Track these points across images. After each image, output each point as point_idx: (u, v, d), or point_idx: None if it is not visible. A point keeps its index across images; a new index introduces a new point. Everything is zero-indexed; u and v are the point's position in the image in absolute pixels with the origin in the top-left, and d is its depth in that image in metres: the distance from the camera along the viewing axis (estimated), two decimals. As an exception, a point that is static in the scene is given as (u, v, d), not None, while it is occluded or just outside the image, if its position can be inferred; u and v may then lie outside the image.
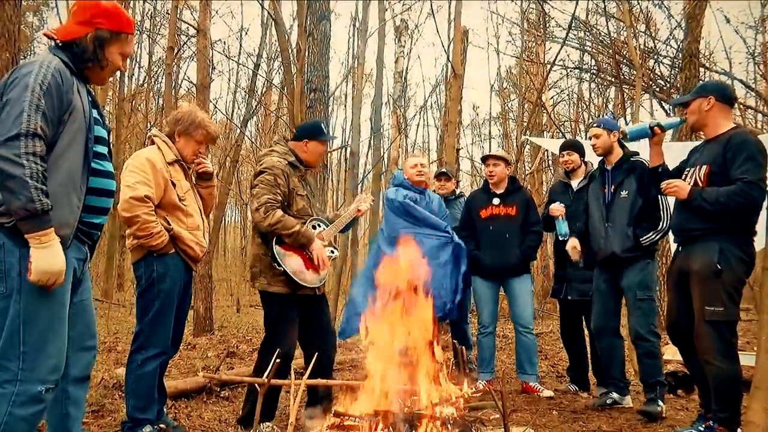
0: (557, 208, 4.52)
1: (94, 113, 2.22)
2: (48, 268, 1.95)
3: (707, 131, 3.27)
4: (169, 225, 3.11)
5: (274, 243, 3.29)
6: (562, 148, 4.86)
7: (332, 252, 3.58)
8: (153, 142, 3.28)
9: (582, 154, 4.75)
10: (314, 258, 3.39)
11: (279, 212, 3.26)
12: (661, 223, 3.83)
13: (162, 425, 3.22)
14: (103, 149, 2.28)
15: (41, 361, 2.02)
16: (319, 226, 3.51)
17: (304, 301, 3.44)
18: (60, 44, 2.17)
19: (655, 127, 3.41)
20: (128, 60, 2.38)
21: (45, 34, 2.28)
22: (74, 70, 2.14)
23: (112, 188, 2.32)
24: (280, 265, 3.28)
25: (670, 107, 4.20)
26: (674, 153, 3.89)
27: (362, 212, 3.77)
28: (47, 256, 1.95)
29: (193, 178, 3.38)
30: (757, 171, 3.00)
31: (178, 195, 3.16)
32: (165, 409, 3.43)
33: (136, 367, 3.09)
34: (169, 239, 3.10)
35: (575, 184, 4.67)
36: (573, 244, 4.25)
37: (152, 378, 3.12)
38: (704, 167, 3.16)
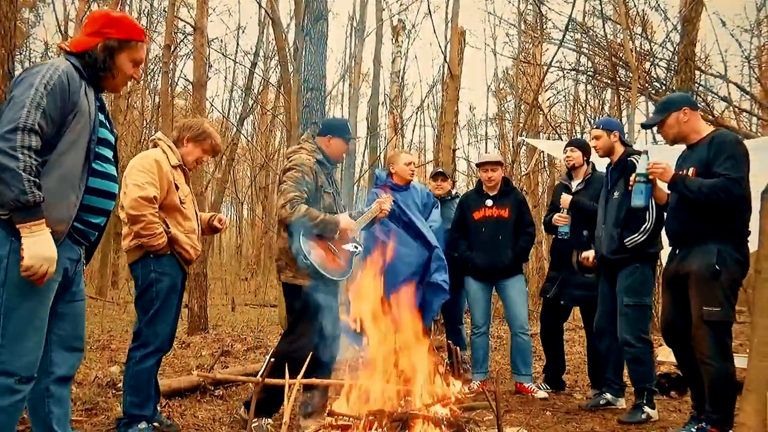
0: (560, 219, 4.48)
1: (101, 117, 2.27)
2: (41, 252, 1.98)
3: (690, 138, 3.33)
4: (168, 227, 3.14)
5: (300, 236, 3.32)
6: (567, 144, 4.81)
7: (356, 248, 3.59)
8: (156, 146, 3.31)
9: (586, 153, 4.63)
10: (352, 227, 3.52)
11: (304, 206, 3.32)
12: (644, 224, 3.75)
13: (156, 423, 3.23)
14: (107, 152, 2.32)
15: (17, 356, 2.04)
16: None
17: None
18: (73, 53, 2.24)
19: (649, 176, 3.35)
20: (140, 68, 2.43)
21: (58, 46, 2.35)
22: (84, 75, 2.20)
23: (114, 191, 2.35)
24: (306, 258, 3.30)
25: (641, 126, 4.23)
26: (673, 152, 3.86)
27: (384, 212, 3.78)
28: (39, 242, 1.98)
29: (198, 219, 3.42)
30: (738, 169, 3.05)
31: (179, 198, 3.20)
32: (159, 408, 3.43)
33: (134, 363, 3.13)
34: (167, 241, 3.13)
35: (574, 185, 4.61)
36: (586, 255, 4.29)
37: (150, 374, 3.16)
38: (691, 169, 3.22)
